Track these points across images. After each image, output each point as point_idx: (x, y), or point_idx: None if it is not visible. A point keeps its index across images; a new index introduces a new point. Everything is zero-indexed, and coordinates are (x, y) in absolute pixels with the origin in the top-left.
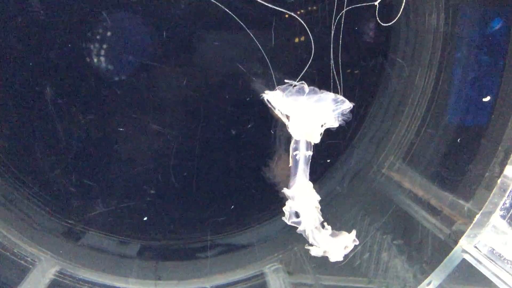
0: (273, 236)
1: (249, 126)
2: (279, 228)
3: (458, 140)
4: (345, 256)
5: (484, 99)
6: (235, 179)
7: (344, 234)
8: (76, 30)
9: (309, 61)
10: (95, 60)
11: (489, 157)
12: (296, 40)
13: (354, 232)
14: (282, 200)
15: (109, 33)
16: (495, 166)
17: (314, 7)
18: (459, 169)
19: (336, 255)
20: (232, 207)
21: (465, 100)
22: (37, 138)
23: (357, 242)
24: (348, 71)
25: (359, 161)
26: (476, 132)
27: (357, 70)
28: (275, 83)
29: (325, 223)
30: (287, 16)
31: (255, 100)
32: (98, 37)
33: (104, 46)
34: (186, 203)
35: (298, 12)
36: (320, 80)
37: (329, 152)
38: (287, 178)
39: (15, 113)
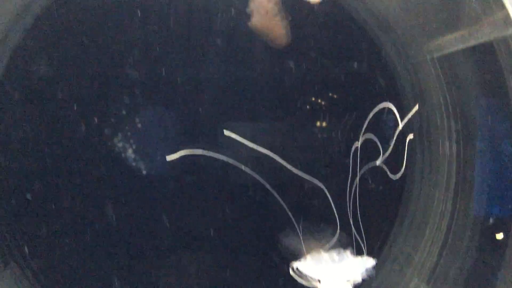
0: None
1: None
2: None
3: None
4: None
5: (498, 236)
6: None
7: None
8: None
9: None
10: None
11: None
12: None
13: None
14: None
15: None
16: None
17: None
18: None
19: None
20: None
21: (485, 216)
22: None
23: None
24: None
25: (382, 284)
26: (497, 251)
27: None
28: (304, 251)
29: None
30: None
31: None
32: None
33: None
34: None
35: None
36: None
37: None
38: None
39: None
